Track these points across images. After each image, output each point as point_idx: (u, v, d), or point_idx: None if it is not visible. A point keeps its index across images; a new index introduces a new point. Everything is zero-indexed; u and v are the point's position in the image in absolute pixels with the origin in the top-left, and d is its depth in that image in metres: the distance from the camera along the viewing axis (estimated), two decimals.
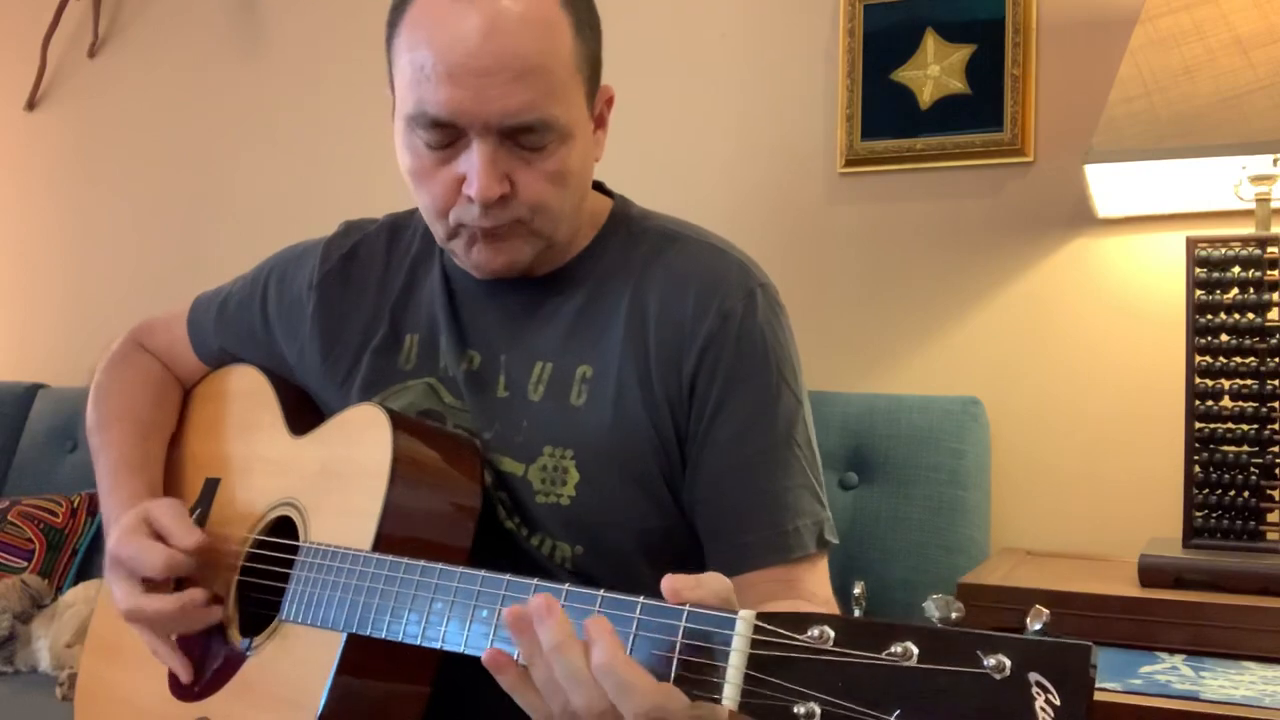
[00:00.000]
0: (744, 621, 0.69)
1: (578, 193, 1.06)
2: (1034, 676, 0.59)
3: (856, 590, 0.69)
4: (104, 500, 1.19)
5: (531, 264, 1.07)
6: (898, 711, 0.62)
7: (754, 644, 0.68)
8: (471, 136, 0.98)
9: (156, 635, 1.07)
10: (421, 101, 0.98)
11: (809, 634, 0.66)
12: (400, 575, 0.91)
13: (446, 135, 0.99)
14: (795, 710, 0.65)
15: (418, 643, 0.88)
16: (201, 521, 1.15)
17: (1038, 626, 0.61)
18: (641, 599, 0.75)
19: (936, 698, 0.61)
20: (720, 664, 0.69)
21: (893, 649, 0.63)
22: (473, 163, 0.98)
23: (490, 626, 0.83)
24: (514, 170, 1.00)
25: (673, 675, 0.72)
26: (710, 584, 0.75)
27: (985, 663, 0.60)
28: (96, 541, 2.19)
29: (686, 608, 0.73)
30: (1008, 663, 0.60)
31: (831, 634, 0.66)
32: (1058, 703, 0.59)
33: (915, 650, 0.63)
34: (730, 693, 0.68)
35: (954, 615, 0.64)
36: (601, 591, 0.78)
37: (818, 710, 0.64)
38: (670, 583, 0.74)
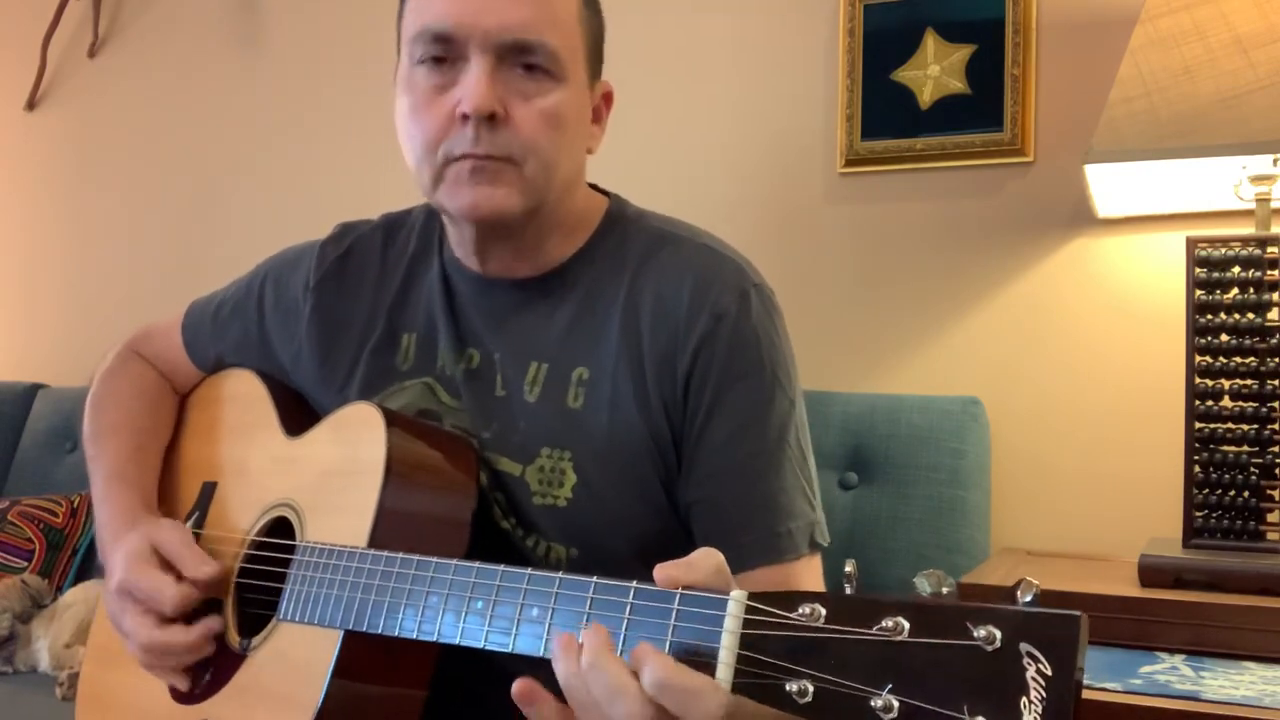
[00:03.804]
0: (735, 602, 0.69)
1: (569, 148, 1.05)
2: (1025, 647, 0.59)
3: (848, 568, 0.69)
4: (97, 509, 1.18)
5: (526, 262, 1.07)
6: (889, 685, 0.62)
7: (746, 624, 0.68)
8: (470, 53, 0.99)
9: (166, 665, 1.06)
10: (423, 18, 1.00)
11: (800, 611, 0.66)
12: (395, 570, 0.91)
13: (445, 53, 1.00)
14: (788, 688, 0.65)
15: (414, 637, 0.88)
16: (199, 525, 1.15)
17: (1028, 598, 0.61)
18: (634, 584, 0.75)
19: (928, 671, 0.61)
20: (713, 645, 0.69)
21: (883, 624, 0.63)
22: (469, 78, 0.99)
23: (485, 618, 0.83)
24: (509, 101, 1.00)
25: None
26: (702, 564, 0.75)
27: (976, 634, 0.60)
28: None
29: (679, 591, 0.73)
30: (998, 634, 0.60)
31: (823, 611, 0.65)
32: (1049, 672, 0.58)
33: (906, 624, 0.62)
34: (723, 673, 0.68)
35: (945, 591, 0.64)
36: (595, 579, 0.78)
37: (810, 687, 0.64)
38: (663, 571, 0.75)
